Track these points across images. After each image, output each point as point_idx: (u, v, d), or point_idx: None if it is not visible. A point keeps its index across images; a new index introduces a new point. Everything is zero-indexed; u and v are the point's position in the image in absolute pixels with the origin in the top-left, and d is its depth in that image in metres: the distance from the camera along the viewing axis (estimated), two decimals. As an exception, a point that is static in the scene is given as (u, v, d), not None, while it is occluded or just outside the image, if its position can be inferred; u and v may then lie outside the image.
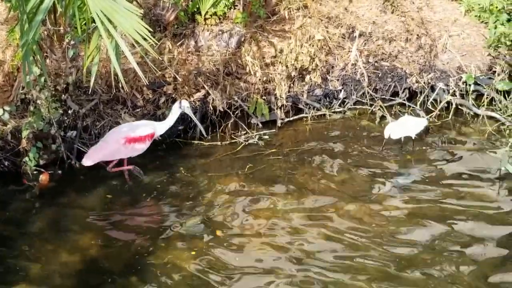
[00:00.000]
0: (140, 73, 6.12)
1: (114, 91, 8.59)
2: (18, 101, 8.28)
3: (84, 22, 7.89)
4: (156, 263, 6.80)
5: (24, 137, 8.07)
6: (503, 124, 9.34)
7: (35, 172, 8.12)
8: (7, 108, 8.05)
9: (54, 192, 7.93)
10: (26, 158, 8.06)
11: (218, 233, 7.28)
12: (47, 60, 8.42)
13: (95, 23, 5.72)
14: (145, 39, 5.86)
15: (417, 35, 10.01)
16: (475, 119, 9.64)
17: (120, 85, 7.86)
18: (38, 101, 8.09)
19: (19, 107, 8.29)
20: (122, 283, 6.54)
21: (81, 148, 8.46)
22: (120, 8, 5.82)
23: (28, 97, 8.20)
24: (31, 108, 8.15)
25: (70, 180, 8.20)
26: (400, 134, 8.81)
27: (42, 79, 7.96)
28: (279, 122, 9.43)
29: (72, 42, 8.30)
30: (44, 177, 8.09)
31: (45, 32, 8.34)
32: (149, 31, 5.94)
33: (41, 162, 8.24)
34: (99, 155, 7.98)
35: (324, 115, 9.68)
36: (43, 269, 6.75)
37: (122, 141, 7.98)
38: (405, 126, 8.83)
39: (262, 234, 7.30)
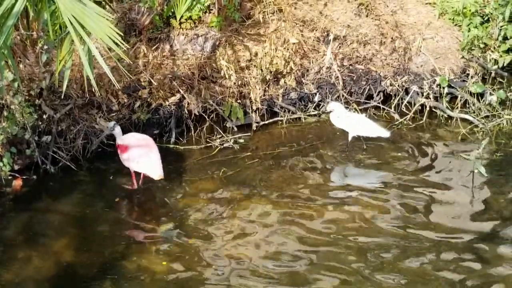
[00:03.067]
0: (112, 78, 6.12)
1: (89, 96, 8.58)
2: (-8, 107, 8.24)
3: (57, 27, 7.95)
4: (130, 268, 6.79)
5: (-1, 142, 8.05)
6: (476, 126, 9.42)
7: (9, 177, 8.08)
8: (-19, 113, 8.03)
9: (28, 197, 7.90)
10: (0, 163, 8.02)
11: (192, 237, 7.28)
12: (20, 65, 8.39)
13: (67, 28, 5.72)
14: (117, 44, 5.87)
15: (392, 38, 10.06)
16: (449, 121, 9.70)
17: (94, 90, 7.84)
18: (12, 106, 8.06)
19: (-7, 113, 8.27)
20: (96, 288, 6.54)
21: (55, 153, 8.43)
22: (92, 13, 5.83)
23: (1, 102, 8.16)
24: (5, 113, 8.10)
25: (44, 185, 8.18)
26: (342, 126, 8.95)
27: (16, 84, 7.92)
28: (254, 126, 9.44)
29: (45, 47, 8.27)
30: (17, 182, 8.07)
31: (18, 37, 8.31)
32: (122, 37, 5.95)
33: (16, 167, 8.22)
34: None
35: (299, 118, 9.71)
36: (15, 275, 6.71)
37: None
38: (349, 122, 8.95)
39: (237, 238, 7.31)
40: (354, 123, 8.90)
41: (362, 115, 9.29)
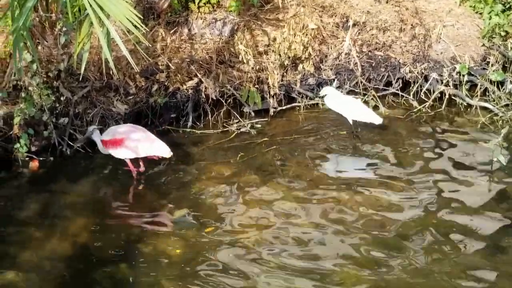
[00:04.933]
0: (131, 60, 6.09)
1: (107, 79, 8.58)
2: (10, 88, 8.25)
3: (76, 9, 7.93)
4: (146, 251, 6.80)
5: (16, 124, 8.05)
6: (496, 114, 9.36)
7: (26, 158, 8.11)
8: (-1, 94, 8.05)
9: (45, 179, 7.92)
10: (18, 145, 8.05)
11: (207, 223, 7.27)
12: (39, 47, 8.39)
13: (86, 10, 5.69)
14: (136, 27, 5.84)
15: (411, 25, 9.99)
16: (468, 109, 9.65)
17: (112, 73, 7.84)
18: (30, 88, 8.07)
19: (11, 94, 8.26)
20: (112, 270, 6.53)
21: (72, 136, 8.45)
22: (112, -5, 5.80)
23: (20, 83, 8.18)
24: (23, 94, 8.12)
25: (61, 167, 8.19)
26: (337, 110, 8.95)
27: (34, 65, 7.93)
28: (271, 111, 9.41)
29: (64, 29, 8.26)
30: (34, 164, 8.10)
31: (37, 19, 8.31)
32: (141, 19, 5.92)
33: (33, 148, 8.25)
34: None
35: (317, 104, 9.67)
36: (32, 255, 6.74)
37: None
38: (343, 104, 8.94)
39: (252, 224, 7.29)
40: (348, 107, 8.88)
41: (357, 99, 9.21)
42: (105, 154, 8.04)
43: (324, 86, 9.37)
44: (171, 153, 7.90)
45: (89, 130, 8.08)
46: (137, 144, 7.87)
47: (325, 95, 9.01)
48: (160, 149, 7.90)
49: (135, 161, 8.02)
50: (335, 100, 8.96)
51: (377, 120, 8.80)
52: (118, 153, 7.94)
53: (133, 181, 7.98)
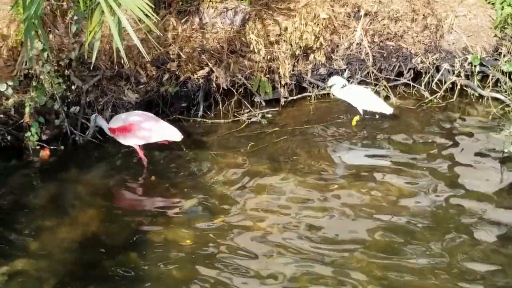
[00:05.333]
0: (142, 49, 6.10)
1: (118, 67, 8.57)
2: (21, 76, 8.26)
3: (87, -2, 7.93)
4: (156, 241, 6.81)
5: (27, 112, 8.06)
6: (507, 105, 9.31)
7: (37, 147, 8.12)
8: (10, 82, 8.03)
9: (56, 168, 7.93)
10: (28, 133, 8.06)
11: (218, 212, 7.28)
12: (50, 35, 8.39)
13: (97, -2, 5.70)
14: (147, 16, 5.84)
15: (423, 15, 9.93)
16: (480, 100, 9.61)
17: (123, 61, 7.83)
18: (41, 76, 8.08)
19: (23, 82, 8.27)
20: (122, 259, 6.54)
21: (83, 124, 8.46)
22: (122, -16, 5.79)
23: (31, 72, 8.19)
24: (34, 83, 8.13)
25: (72, 156, 8.20)
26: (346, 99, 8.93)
27: (45, 54, 7.93)
28: (282, 101, 9.39)
29: (75, 18, 8.26)
30: (45, 152, 8.11)
31: (48, 7, 8.31)
32: (152, 8, 5.92)
33: (44, 137, 8.25)
34: None
35: (328, 94, 9.63)
36: (42, 244, 6.77)
37: None
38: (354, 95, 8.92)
39: (263, 212, 7.30)
40: (359, 97, 8.88)
41: (367, 89, 9.19)
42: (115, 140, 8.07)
43: (332, 76, 9.34)
44: (182, 136, 7.91)
45: (92, 120, 8.12)
46: (146, 129, 7.88)
47: (333, 84, 8.98)
48: (171, 133, 7.91)
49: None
50: (345, 90, 8.94)
51: (388, 110, 8.78)
52: (127, 140, 7.94)
53: (144, 170, 7.98)
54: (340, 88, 8.94)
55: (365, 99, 8.85)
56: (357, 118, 8.89)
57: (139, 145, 7.97)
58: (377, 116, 8.98)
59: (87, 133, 8.33)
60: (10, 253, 6.59)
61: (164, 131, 7.93)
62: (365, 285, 6.24)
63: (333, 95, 9.29)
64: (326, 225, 7.07)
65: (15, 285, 6.21)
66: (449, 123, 9.14)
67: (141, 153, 7.96)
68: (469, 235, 6.92)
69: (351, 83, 9.38)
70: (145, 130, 7.89)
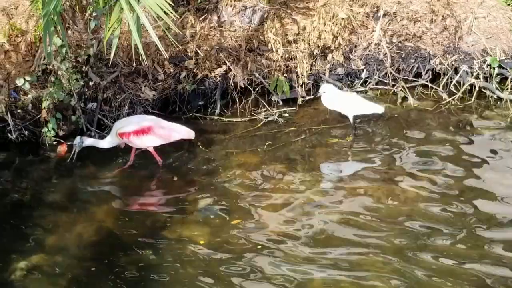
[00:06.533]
0: (160, 47, 6.11)
1: (135, 64, 8.59)
2: (39, 72, 8.29)
3: (106, -6, 7.93)
4: (171, 238, 6.81)
5: (44, 108, 8.09)
6: (526, 109, 9.26)
7: (54, 142, 8.15)
8: (28, 78, 8.06)
9: (72, 163, 7.93)
10: (45, 129, 8.08)
11: (234, 210, 7.27)
12: (69, 31, 8.42)
13: (116, -5, 5.71)
14: (166, 13, 5.84)
15: (442, 16, 9.88)
16: (498, 102, 9.52)
17: (141, 59, 7.84)
18: (59, 72, 8.10)
19: (40, 78, 8.31)
20: (137, 256, 6.55)
21: (100, 121, 8.48)
22: (142, -19, 5.80)
23: (49, 67, 8.22)
24: (52, 79, 8.16)
25: (89, 152, 8.18)
26: (336, 108, 8.75)
27: (64, 50, 7.96)
28: (299, 100, 9.36)
29: (94, 14, 8.28)
30: (62, 148, 8.12)
31: (67, 3, 8.34)
32: (171, 5, 5.92)
33: (61, 133, 8.29)
34: None
35: (346, 94, 9.62)
36: (58, 239, 6.80)
37: None
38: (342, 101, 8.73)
39: (279, 212, 7.27)
40: (347, 103, 8.70)
41: (353, 93, 9.08)
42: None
43: (324, 83, 9.19)
44: (194, 133, 7.94)
45: (77, 142, 7.88)
46: (166, 128, 7.87)
47: (324, 92, 8.80)
48: (185, 133, 7.93)
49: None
50: (333, 98, 8.72)
51: (379, 109, 8.67)
52: (144, 141, 7.87)
53: (160, 168, 7.98)
54: (328, 97, 8.74)
55: (354, 104, 8.70)
56: (349, 138, 8.79)
57: (154, 147, 7.94)
58: (391, 118, 8.94)
59: (71, 156, 7.94)
60: (27, 248, 6.62)
61: (181, 130, 7.92)
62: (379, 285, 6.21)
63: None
64: (342, 227, 7.02)
65: (32, 280, 6.23)
66: (467, 125, 9.08)
67: (156, 155, 7.93)
68: (486, 237, 6.85)
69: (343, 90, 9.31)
70: (165, 129, 7.87)
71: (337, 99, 8.71)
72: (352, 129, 8.75)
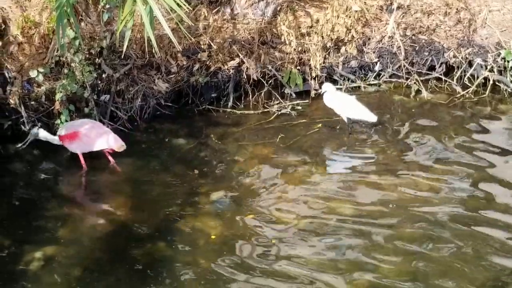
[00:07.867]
0: (173, 39, 6.09)
1: (148, 57, 8.59)
2: (52, 64, 8.30)
3: (119, -14, 7.92)
4: (184, 230, 6.82)
5: (58, 99, 8.10)
6: (540, 102, 9.23)
7: (67, 134, 8.16)
8: (41, 70, 8.07)
9: (85, 156, 7.94)
10: (58, 121, 8.10)
11: (246, 203, 7.27)
12: (82, 24, 8.42)
13: (130, -13, 5.69)
14: (179, 5, 5.82)
15: (456, 9, 9.83)
16: (512, 96, 9.52)
17: (154, 51, 7.83)
18: (72, 64, 8.11)
19: (54, 70, 8.32)
20: (150, 248, 6.56)
21: (113, 113, 8.50)
22: (155, -27, 5.78)
23: (62, 60, 8.23)
24: (65, 70, 8.17)
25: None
26: (333, 107, 8.70)
27: (77, 42, 7.96)
28: (312, 93, 9.35)
29: (107, 6, 8.28)
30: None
31: (81, -4, 8.35)
32: (184, -2, 5.90)
33: (74, 125, 8.30)
34: None
35: (359, 87, 9.61)
36: (71, 231, 6.82)
37: None
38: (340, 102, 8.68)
39: (291, 205, 7.26)
40: (344, 105, 8.64)
41: (352, 97, 8.99)
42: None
43: (326, 82, 9.11)
44: (124, 146, 7.76)
45: (32, 132, 7.90)
46: (91, 137, 7.77)
47: (325, 91, 8.77)
48: (112, 143, 7.76)
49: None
50: (332, 97, 8.70)
51: (372, 118, 8.58)
52: (71, 147, 7.82)
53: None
54: (329, 96, 8.72)
55: (349, 107, 8.64)
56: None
57: (82, 153, 7.84)
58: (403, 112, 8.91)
59: (23, 143, 7.97)
60: (39, 239, 6.64)
61: (110, 141, 7.76)
62: (394, 277, 6.19)
63: (365, 87, 9.22)
64: (355, 219, 7.01)
65: (47, 271, 6.25)
66: (481, 118, 9.04)
67: (82, 161, 7.81)
68: (499, 230, 6.82)
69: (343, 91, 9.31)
70: (89, 137, 7.76)
71: (335, 99, 8.70)
72: (348, 128, 8.70)
